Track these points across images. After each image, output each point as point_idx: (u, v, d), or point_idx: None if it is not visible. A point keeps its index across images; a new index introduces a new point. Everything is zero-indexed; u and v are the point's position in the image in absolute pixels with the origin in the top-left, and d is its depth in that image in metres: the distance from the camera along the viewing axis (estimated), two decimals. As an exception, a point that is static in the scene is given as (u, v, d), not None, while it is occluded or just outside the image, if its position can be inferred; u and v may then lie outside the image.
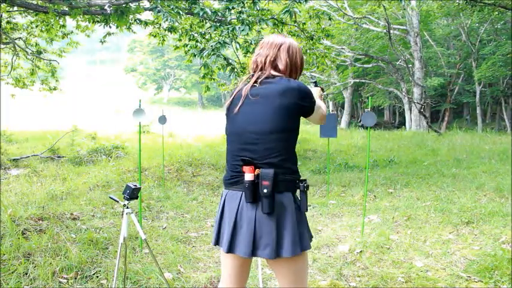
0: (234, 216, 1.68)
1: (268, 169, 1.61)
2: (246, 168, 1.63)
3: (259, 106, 1.68)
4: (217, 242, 1.77)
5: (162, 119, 6.64)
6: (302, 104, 1.70)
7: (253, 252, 1.65)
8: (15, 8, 7.37)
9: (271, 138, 1.66)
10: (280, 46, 1.78)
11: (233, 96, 1.78)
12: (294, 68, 1.81)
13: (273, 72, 1.76)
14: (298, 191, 1.74)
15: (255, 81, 1.74)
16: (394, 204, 5.11)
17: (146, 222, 4.46)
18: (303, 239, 1.69)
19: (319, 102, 1.88)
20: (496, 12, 15.14)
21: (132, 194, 2.41)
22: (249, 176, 1.62)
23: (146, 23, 6.91)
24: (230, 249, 1.69)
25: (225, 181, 1.78)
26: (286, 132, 1.68)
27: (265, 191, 1.59)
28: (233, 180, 1.73)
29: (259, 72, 1.77)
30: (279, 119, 1.66)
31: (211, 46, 5.48)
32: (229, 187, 1.75)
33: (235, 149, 1.73)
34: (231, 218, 1.70)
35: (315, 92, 2.01)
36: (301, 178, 1.73)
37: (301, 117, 1.77)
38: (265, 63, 1.77)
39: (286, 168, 1.67)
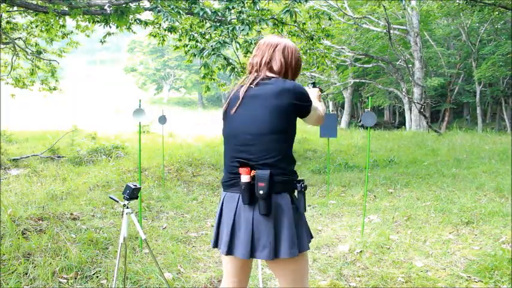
0: (232, 218, 1.68)
1: (264, 170, 1.61)
2: (242, 170, 1.63)
3: (255, 107, 1.68)
4: (216, 245, 1.78)
5: (162, 119, 6.64)
6: (298, 104, 1.69)
7: (252, 253, 1.65)
8: (15, 8, 7.37)
9: (267, 139, 1.65)
10: (276, 47, 1.77)
11: (230, 98, 1.78)
12: (290, 68, 1.79)
13: (268, 74, 1.76)
14: (295, 192, 1.73)
15: (251, 83, 1.74)
16: (394, 204, 5.11)
17: (146, 222, 4.46)
18: (301, 240, 1.68)
19: (316, 103, 1.88)
20: (496, 12, 15.13)
21: (132, 194, 2.41)
22: (245, 178, 1.61)
23: (146, 23, 6.91)
24: (229, 251, 1.69)
25: (222, 183, 1.78)
26: (282, 133, 1.67)
27: (261, 192, 1.58)
28: (230, 182, 1.72)
29: (255, 74, 1.78)
30: (275, 120, 1.65)
31: (212, 46, 5.48)
32: (227, 189, 1.74)
33: (231, 150, 1.72)
34: (229, 220, 1.70)
35: (314, 92, 1.99)
36: (298, 178, 1.72)
37: (298, 118, 1.77)
38: (260, 64, 1.77)
39: (282, 168, 1.65)
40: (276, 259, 1.65)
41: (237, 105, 1.72)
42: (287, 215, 1.65)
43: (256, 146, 1.65)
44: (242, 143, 1.68)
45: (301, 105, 1.71)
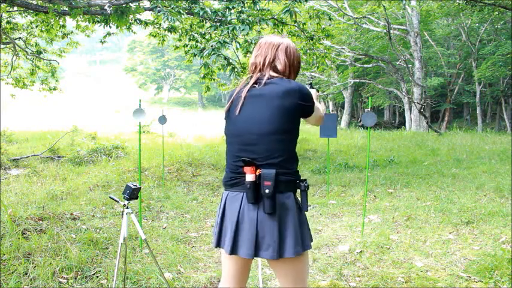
0: (235, 218, 1.67)
1: (270, 169, 1.61)
2: (247, 169, 1.63)
3: (260, 107, 1.68)
4: (218, 244, 1.76)
5: (162, 119, 6.65)
6: (303, 104, 1.70)
7: (256, 253, 1.64)
8: (15, 8, 7.37)
9: (272, 139, 1.65)
10: (278, 47, 1.77)
11: (232, 97, 1.77)
12: (292, 68, 1.80)
13: (272, 73, 1.76)
14: (298, 191, 1.74)
15: (255, 82, 1.74)
16: (394, 204, 5.11)
17: (146, 222, 4.46)
18: (304, 239, 1.70)
19: (317, 103, 1.89)
20: (496, 12, 15.15)
21: (132, 194, 2.41)
22: (250, 177, 1.61)
23: (146, 23, 6.91)
24: (233, 251, 1.68)
25: (225, 182, 1.77)
26: (286, 133, 1.68)
27: (267, 191, 1.59)
28: (233, 181, 1.72)
29: (259, 73, 1.77)
30: (280, 120, 1.65)
31: (212, 46, 5.48)
32: (230, 188, 1.74)
33: (235, 150, 1.72)
34: (232, 219, 1.69)
35: (312, 93, 1.99)
36: (301, 178, 1.73)
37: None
38: (264, 64, 1.76)
39: (286, 168, 1.67)
40: (279, 258, 1.65)
41: (241, 104, 1.71)
42: (291, 214, 1.66)
43: (261, 146, 1.65)
44: (247, 142, 1.68)
45: (305, 106, 1.72)
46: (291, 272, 1.71)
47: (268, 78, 1.73)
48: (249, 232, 1.64)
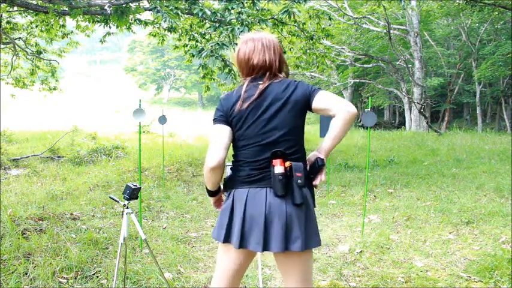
0: (263, 214, 1.65)
1: (298, 162, 1.67)
2: (276, 162, 1.65)
3: (275, 105, 1.69)
4: (241, 245, 1.70)
5: (162, 119, 6.65)
6: (309, 94, 1.71)
7: (285, 246, 1.65)
8: (15, 8, 7.37)
9: (295, 136, 1.71)
10: (274, 46, 1.78)
11: (244, 97, 1.71)
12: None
13: (279, 75, 1.78)
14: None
15: (264, 82, 1.73)
16: (394, 204, 5.11)
17: (146, 222, 4.46)
18: (318, 230, 1.77)
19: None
20: (496, 12, 15.16)
21: (132, 194, 2.41)
22: (279, 169, 1.63)
23: (146, 23, 6.91)
24: (265, 247, 1.66)
25: (242, 180, 1.73)
26: (301, 128, 1.74)
27: (299, 181, 1.63)
28: (255, 177, 1.70)
29: (268, 73, 1.74)
30: (296, 116, 1.70)
31: (211, 47, 5.48)
32: (250, 185, 1.71)
33: (258, 147, 1.70)
34: (259, 216, 1.66)
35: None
36: None
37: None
38: (270, 63, 1.75)
39: (304, 162, 1.73)
40: (288, 252, 1.66)
41: (263, 103, 1.70)
42: (311, 207, 1.73)
43: (286, 143, 1.69)
44: (269, 139, 1.69)
45: (311, 91, 1.74)
46: (301, 268, 1.72)
47: (275, 78, 1.74)
48: (279, 226, 1.64)
